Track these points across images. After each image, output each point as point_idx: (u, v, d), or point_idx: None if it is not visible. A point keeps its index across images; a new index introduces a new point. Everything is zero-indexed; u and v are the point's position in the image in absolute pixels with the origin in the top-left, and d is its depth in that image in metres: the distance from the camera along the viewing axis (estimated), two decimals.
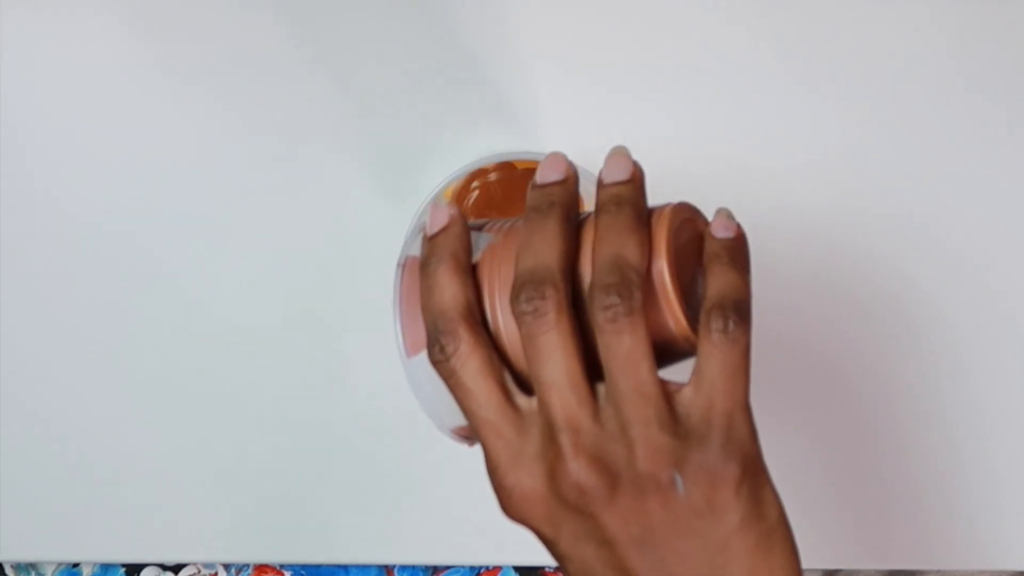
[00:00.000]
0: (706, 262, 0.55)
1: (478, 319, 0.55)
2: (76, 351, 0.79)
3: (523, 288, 0.53)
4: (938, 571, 0.84)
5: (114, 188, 0.78)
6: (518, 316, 0.53)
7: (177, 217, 0.78)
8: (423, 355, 0.56)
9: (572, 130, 0.78)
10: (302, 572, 0.94)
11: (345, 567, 0.94)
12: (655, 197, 0.57)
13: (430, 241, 0.56)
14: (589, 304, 0.53)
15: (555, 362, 0.53)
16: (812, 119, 0.78)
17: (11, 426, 0.79)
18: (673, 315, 0.54)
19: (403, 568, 0.94)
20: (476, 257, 0.56)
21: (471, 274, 0.56)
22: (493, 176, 0.77)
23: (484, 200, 0.77)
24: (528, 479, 0.54)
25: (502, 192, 0.77)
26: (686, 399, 0.53)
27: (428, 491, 0.80)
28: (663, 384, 0.53)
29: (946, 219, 0.79)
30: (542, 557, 0.79)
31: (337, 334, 0.79)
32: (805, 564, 0.77)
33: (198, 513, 0.80)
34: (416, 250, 0.58)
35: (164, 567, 0.96)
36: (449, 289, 0.55)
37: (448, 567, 0.93)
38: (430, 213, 0.57)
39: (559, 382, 0.53)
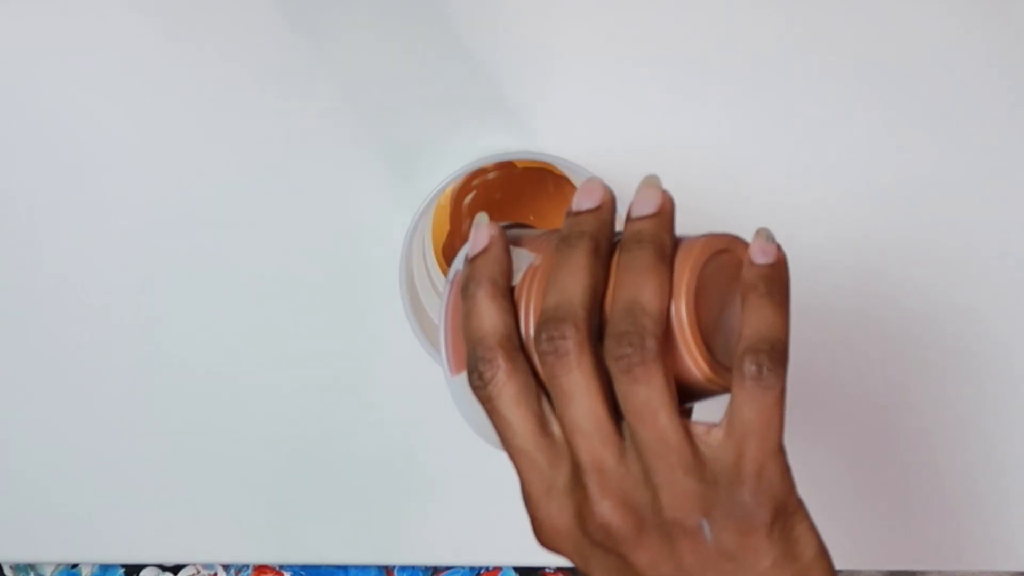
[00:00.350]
0: (743, 292, 0.53)
1: (516, 345, 0.54)
2: (75, 351, 0.79)
3: (544, 327, 0.53)
4: (939, 572, 0.84)
5: (113, 187, 0.78)
6: (540, 356, 0.53)
7: (175, 216, 0.78)
8: (465, 375, 0.56)
9: (572, 130, 0.78)
10: (302, 572, 0.94)
11: (345, 567, 0.94)
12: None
13: (471, 263, 0.56)
14: (605, 352, 0.52)
15: (577, 404, 0.52)
16: (820, 121, 0.78)
17: (11, 426, 0.79)
18: (693, 359, 0.53)
19: (403, 568, 0.94)
20: (516, 279, 0.56)
21: (510, 298, 0.55)
22: (492, 175, 0.77)
23: (483, 199, 0.77)
24: (558, 514, 0.54)
25: (501, 191, 0.77)
26: (716, 442, 0.53)
27: (428, 491, 0.80)
28: (688, 427, 0.52)
29: (942, 219, 0.79)
30: (542, 557, 0.79)
31: (337, 335, 0.79)
32: None
33: (197, 513, 0.80)
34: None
35: (163, 567, 0.96)
36: (487, 316, 0.54)
37: (448, 567, 0.93)
38: (472, 232, 0.56)
39: (582, 425, 0.52)
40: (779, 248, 0.54)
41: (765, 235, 0.54)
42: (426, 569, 0.92)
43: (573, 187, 0.75)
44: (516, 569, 0.95)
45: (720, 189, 0.78)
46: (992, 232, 0.79)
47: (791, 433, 0.80)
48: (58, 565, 0.95)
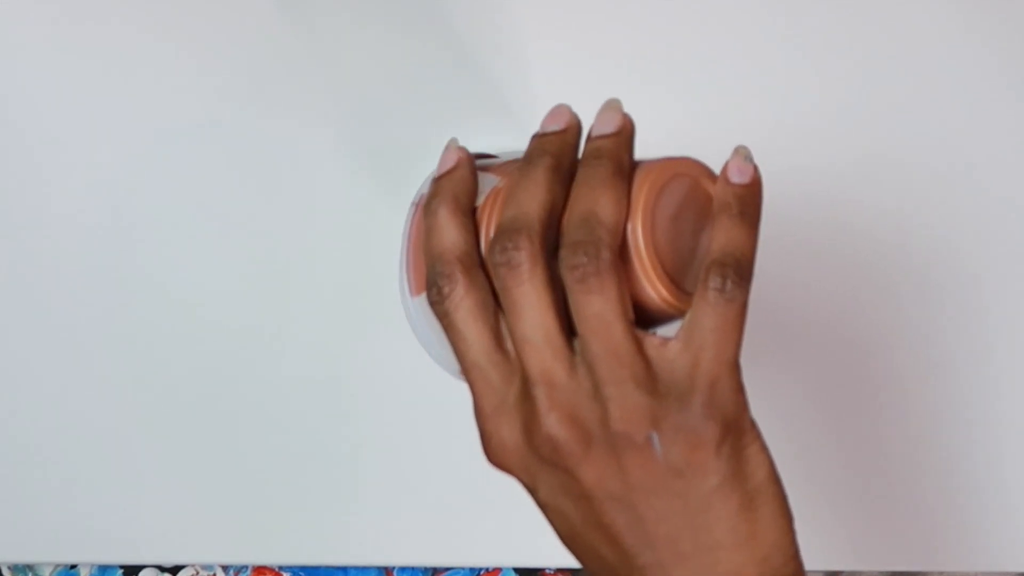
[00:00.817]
0: (715, 210, 0.53)
1: (476, 262, 0.54)
2: (72, 351, 0.79)
3: (498, 239, 0.53)
4: (940, 572, 0.84)
5: (107, 183, 0.78)
6: (493, 267, 0.53)
7: (170, 214, 0.78)
8: (424, 296, 0.56)
9: None
10: (301, 573, 0.94)
11: (344, 568, 0.93)
12: None
13: (436, 182, 0.56)
14: (560, 262, 0.52)
15: (529, 316, 0.52)
16: (819, 119, 0.78)
17: (9, 427, 0.79)
18: (649, 280, 0.52)
19: (403, 569, 0.94)
20: (480, 200, 0.56)
21: (472, 217, 0.55)
22: None
23: None
24: (506, 428, 0.54)
25: None
26: (671, 354, 0.52)
27: (428, 491, 0.80)
28: (643, 340, 0.52)
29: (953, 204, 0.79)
30: (542, 557, 0.79)
31: (333, 334, 0.79)
32: (808, 565, 0.77)
33: (196, 514, 0.79)
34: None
35: (162, 568, 0.96)
36: (448, 232, 0.54)
37: (448, 568, 0.93)
38: (442, 154, 0.56)
39: (532, 337, 0.52)
40: (756, 169, 0.54)
41: (744, 154, 0.54)
42: (426, 569, 0.92)
43: None
44: (516, 569, 0.95)
45: None
46: (997, 222, 0.79)
47: (796, 433, 0.80)
48: (57, 566, 0.95)
